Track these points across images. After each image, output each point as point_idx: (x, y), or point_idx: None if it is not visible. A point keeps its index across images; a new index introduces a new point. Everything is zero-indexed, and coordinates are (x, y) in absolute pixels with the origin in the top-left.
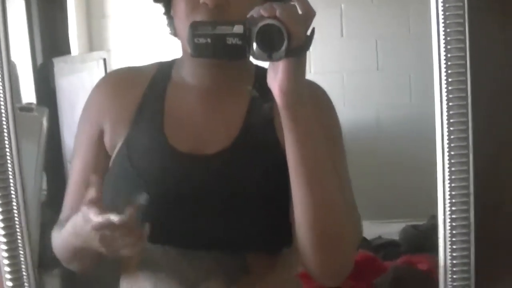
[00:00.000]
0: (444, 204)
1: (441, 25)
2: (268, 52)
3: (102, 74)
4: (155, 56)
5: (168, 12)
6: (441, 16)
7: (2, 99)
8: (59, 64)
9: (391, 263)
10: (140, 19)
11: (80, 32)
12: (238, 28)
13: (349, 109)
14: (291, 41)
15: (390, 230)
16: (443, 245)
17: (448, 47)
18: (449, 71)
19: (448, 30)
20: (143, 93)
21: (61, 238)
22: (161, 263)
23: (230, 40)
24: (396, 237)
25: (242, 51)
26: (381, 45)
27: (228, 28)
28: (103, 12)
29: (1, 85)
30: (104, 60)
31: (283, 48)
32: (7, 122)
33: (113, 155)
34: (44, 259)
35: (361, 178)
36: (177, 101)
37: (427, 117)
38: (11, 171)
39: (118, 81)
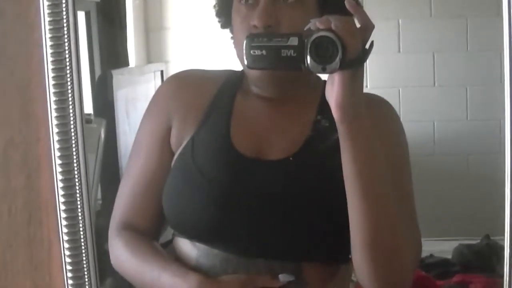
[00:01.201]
0: (511, 223)
1: None
2: (322, 64)
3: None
4: (213, 68)
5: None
6: None
7: (71, 111)
8: (117, 76)
9: (444, 282)
10: (198, 31)
11: (138, 44)
12: (293, 40)
13: (405, 124)
14: (346, 53)
15: (441, 248)
16: (508, 270)
17: None
18: None
19: None
20: (214, 95)
21: (141, 271)
22: (218, 268)
23: (285, 52)
24: (447, 255)
25: (297, 63)
26: (438, 60)
27: (283, 40)
28: (161, 24)
29: (71, 97)
30: (162, 72)
31: (337, 60)
32: (76, 136)
33: (177, 153)
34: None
35: (415, 194)
36: (245, 107)
37: (483, 133)
38: (77, 184)
39: (189, 81)
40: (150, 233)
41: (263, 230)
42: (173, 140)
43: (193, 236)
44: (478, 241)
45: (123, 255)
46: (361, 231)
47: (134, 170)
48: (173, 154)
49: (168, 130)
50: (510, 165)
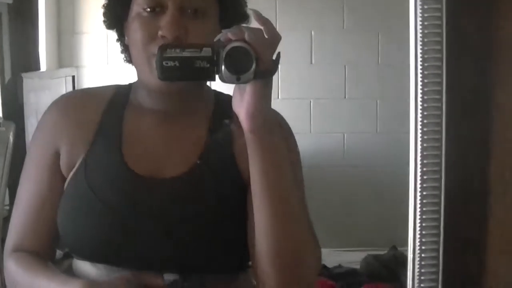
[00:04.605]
0: (414, 236)
1: (419, 54)
2: (237, 74)
3: (70, 90)
4: (125, 75)
5: (121, 40)
6: (419, 46)
7: None
8: (27, 79)
9: None
10: (111, 38)
11: (50, 48)
12: (206, 51)
13: (315, 135)
14: (259, 64)
15: (350, 258)
16: (411, 277)
17: (425, 72)
18: (425, 97)
19: (426, 56)
20: (101, 114)
21: (33, 286)
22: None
23: (199, 63)
24: (355, 265)
25: (210, 74)
26: (349, 73)
27: (196, 51)
28: (73, 29)
29: None
30: (73, 77)
31: (252, 70)
32: None
33: (70, 176)
34: None
35: (324, 205)
36: (135, 124)
37: (391, 146)
38: None
39: (74, 103)
40: (43, 255)
41: (162, 247)
42: (63, 165)
43: (91, 257)
44: (386, 251)
45: (15, 274)
46: (267, 240)
47: (24, 195)
48: (64, 178)
49: (56, 156)
50: (414, 179)
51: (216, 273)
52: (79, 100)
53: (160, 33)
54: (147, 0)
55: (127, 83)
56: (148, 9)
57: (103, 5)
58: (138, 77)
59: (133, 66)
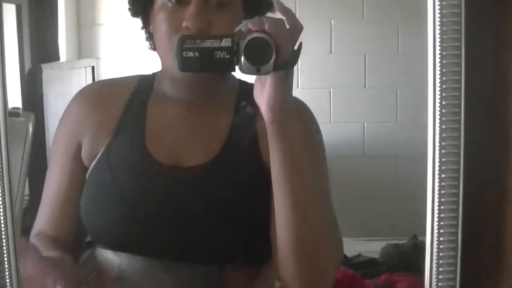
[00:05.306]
0: (432, 225)
1: (438, 43)
2: (257, 65)
3: (90, 81)
4: (144, 65)
5: (146, 28)
6: (437, 35)
7: None
8: (47, 70)
9: (371, 281)
10: (130, 28)
11: (69, 39)
12: (226, 42)
13: (335, 125)
14: (279, 55)
15: (370, 248)
16: (429, 267)
17: (444, 61)
18: (443, 86)
19: (444, 45)
20: (124, 105)
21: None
22: (140, 274)
23: (218, 54)
24: (375, 255)
25: (230, 65)
26: (369, 62)
27: (216, 42)
28: (93, 20)
29: None
30: (93, 68)
31: (271, 61)
32: None
33: (92, 165)
34: None
35: (344, 194)
36: (158, 113)
37: (412, 136)
38: None
39: (97, 94)
40: (63, 242)
41: (184, 236)
42: (85, 155)
43: (113, 245)
44: (406, 241)
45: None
46: (287, 230)
47: (50, 184)
48: (85, 169)
49: (79, 146)
50: (432, 167)
51: (236, 264)
52: (103, 90)
53: (184, 24)
54: None
55: (150, 72)
56: (174, 0)
57: (128, 8)
58: (162, 66)
59: (157, 55)
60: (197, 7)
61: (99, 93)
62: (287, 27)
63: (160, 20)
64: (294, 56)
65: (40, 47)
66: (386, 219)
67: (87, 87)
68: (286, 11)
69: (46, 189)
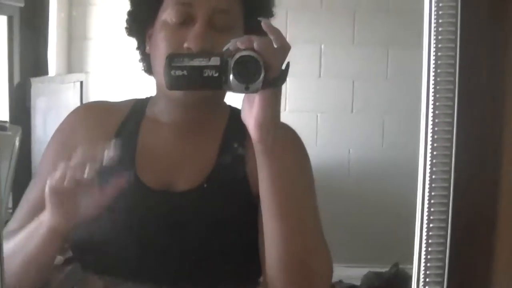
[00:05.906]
0: (420, 253)
1: (432, 71)
2: (245, 83)
3: (78, 96)
4: (134, 81)
5: (141, 48)
6: (432, 64)
7: None
8: (36, 84)
9: None
10: (120, 44)
11: (59, 53)
12: (215, 60)
13: (321, 149)
14: (267, 73)
15: (351, 274)
16: None
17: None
18: (436, 112)
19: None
20: (117, 127)
21: (13, 244)
22: None
23: (207, 72)
24: (356, 282)
25: (219, 83)
26: (357, 87)
27: (205, 60)
28: (84, 34)
29: None
30: (81, 83)
31: (260, 79)
32: None
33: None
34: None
35: (327, 218)
36: (150, 138)
37: (397, 161)
38: None
39: (97, 111)
40: None
41: (175, 261)
42: None
43: (100, 268)
44: (387, 269)
45: (7, 249)
46: (276, 248)
47: (36, 188)
48: None
49: (68, 157)
50: (422, 194)
51: (231, 285)
52: (101, 110)
53: (185, 45)
54: (177, 13)
55: (141, 93)
56: (174, 21)
57: (128, 12)
58: (157, 87)
59: (152, 77)
60: (201, 28)
61: (96, 111)
62: (275, 46)
63: (160, 39)
64: (282, 75)
65: (30, 60)
66: (369, 245)
67: (88, 103)
68: (274, 31)
69: (30, 192)
